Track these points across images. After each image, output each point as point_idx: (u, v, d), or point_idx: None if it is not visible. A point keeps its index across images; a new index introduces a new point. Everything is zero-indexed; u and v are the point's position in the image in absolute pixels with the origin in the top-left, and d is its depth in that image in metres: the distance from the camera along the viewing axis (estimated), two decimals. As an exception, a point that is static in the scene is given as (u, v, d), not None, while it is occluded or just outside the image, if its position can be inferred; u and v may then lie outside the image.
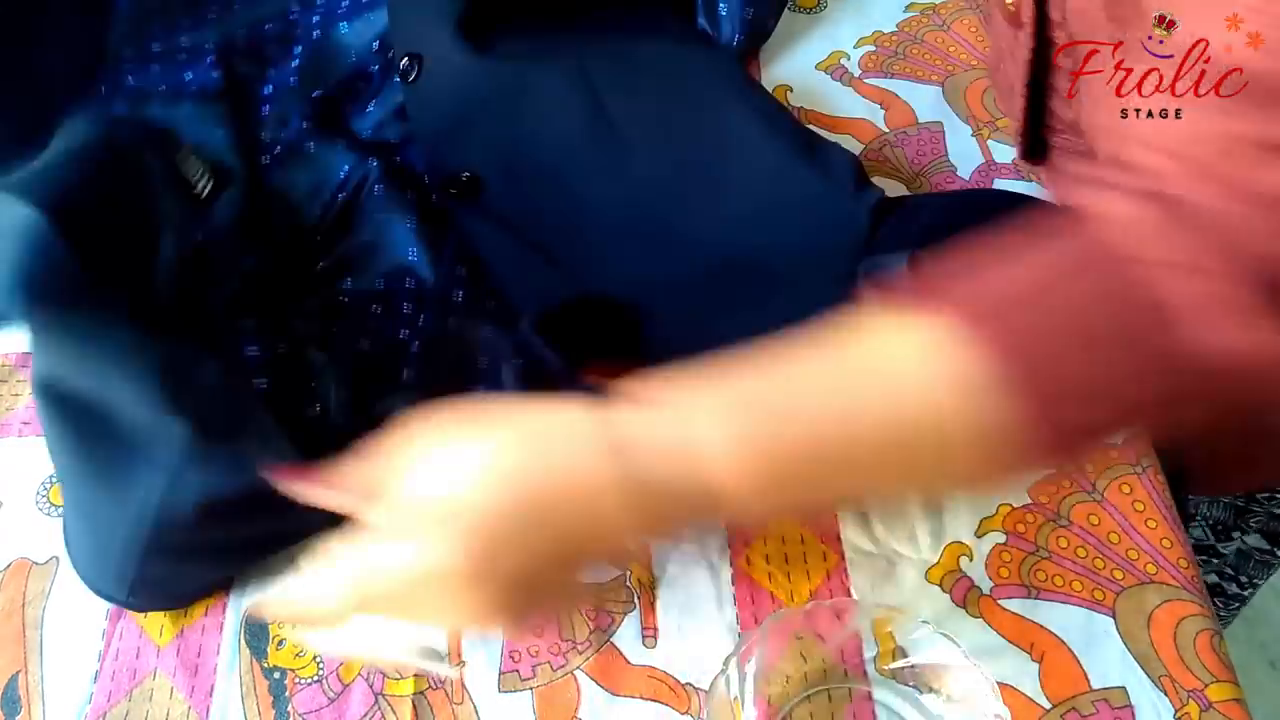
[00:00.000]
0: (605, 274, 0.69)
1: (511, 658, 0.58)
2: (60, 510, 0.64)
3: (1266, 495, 0.83)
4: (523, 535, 0.40)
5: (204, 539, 0.56)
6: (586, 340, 0.64)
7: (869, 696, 0.56)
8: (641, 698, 0.57)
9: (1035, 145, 0.68)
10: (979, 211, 0.70)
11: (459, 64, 0.74)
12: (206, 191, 0.69)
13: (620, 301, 0.67)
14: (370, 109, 0.77)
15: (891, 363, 0.41)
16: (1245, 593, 0.97)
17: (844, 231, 0.65)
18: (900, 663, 0.56)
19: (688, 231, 0.69)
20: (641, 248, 0.70)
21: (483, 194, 0.73)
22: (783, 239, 0.67)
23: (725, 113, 0.71)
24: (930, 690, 0.55)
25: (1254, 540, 0.91)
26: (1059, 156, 0.67)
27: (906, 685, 0.56)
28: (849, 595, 0.59)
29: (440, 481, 0.40)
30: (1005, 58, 0.69)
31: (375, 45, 0.80)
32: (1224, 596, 0.99)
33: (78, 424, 0.56)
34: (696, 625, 0.59)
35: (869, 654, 0.57)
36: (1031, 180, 0.75)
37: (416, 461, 0.41)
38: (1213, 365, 0.39)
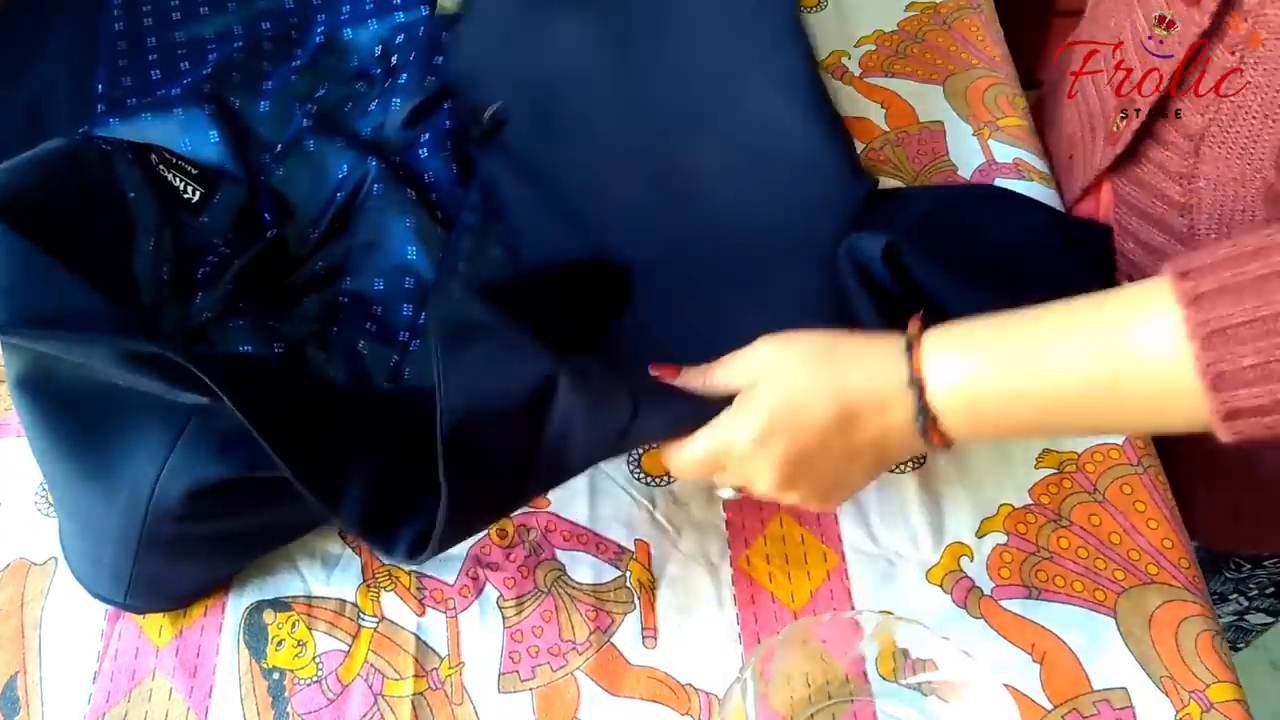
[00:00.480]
0: (610, 224, 0.69)
1: (511, 658, 0.58)
2: (59, 510, 0.64)
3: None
4: (831, 439, 0.50)
5: (197, 532, 0.56)
6: (575, 301, 0.65)
7: (881, 708, 0.56)
8: (641, 698, 0.57)
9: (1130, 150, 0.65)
10: (968, 205, 0.70)
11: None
12: (197, 196, 0.69)
13: (614, 264, 0.67)
14: (371, 109, 0.77)
15: (1121, 313, 0.44)
16: (1238, 647, 0.96)
17: (839, 214, 0.66)
18: (918, 677, 0.56)
19: (696, 190, 0.69)
20: (649, 200, 0.70)
21: (505, 130, 0.74)
22: (783, 213, 0.67)
23: (755, 75, 0.71)
24: (946, 703, 0.55)
25: (1257, 619, 0.90)
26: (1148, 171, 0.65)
27: (922, 698, 0.56)
28: (849, 595, 0.59)
29: (769, 376, 0.51)
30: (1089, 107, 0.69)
31: (378, 50, 0.80)
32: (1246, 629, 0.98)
33: (61, 421, 0.56)
34: (696, 625, 0.59)
35: (883, 666, 0.57)
36: (1032, 180, 0.75)
37: (772, 376, 0.51)
38: None
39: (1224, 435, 0.42)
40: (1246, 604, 0.87)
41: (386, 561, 0.61)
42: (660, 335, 0.63)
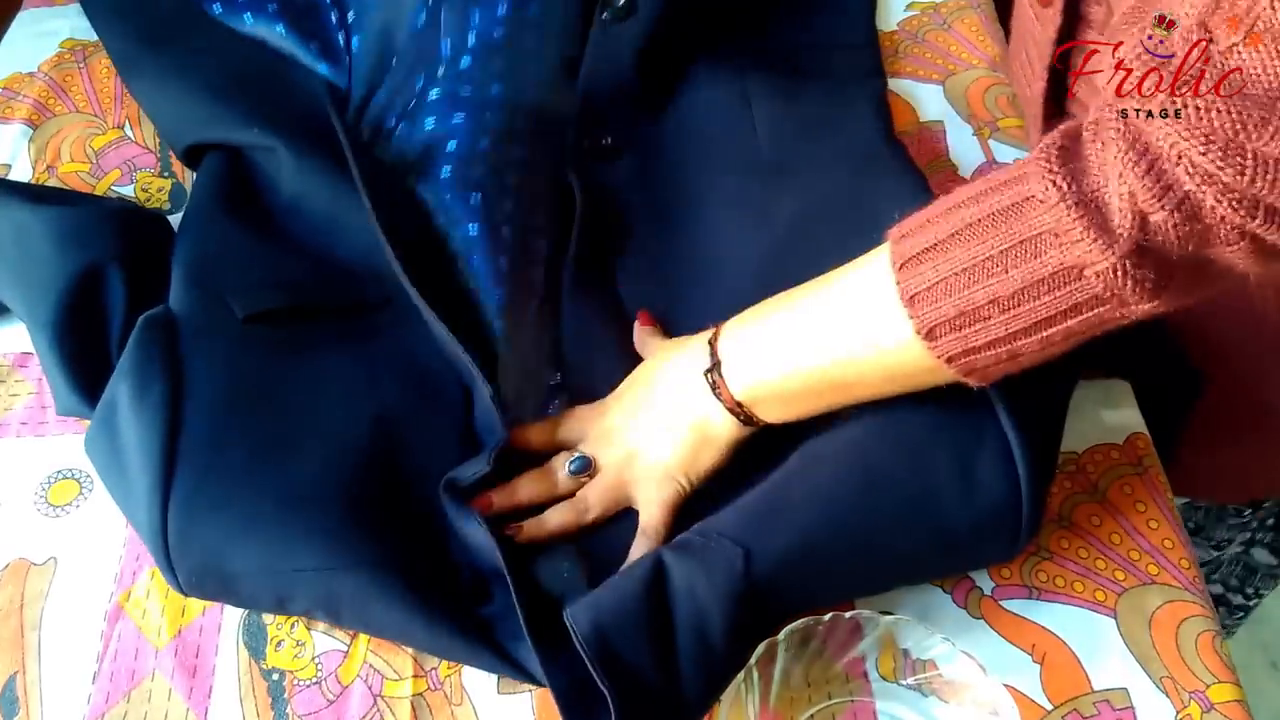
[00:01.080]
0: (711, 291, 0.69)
1: (511, 659, 0.58)
2: (59, 510, 0.63)
3: (1272, 504, 0.83)
4: (638, 383, 0.62)
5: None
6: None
7: (881, 709, 0.56)
8: (641, 699, 0.57)
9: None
10: None
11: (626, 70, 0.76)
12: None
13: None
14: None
15: (853, 285, 0.53)
16: (1250, 604, 0.96)
17: None
18: (918, 677, 0.56)
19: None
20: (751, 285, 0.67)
21: (617, 162, 0.74)
22: None
23: (875, 177, 0.69)
24: (946, 703, 0.55)
25: (1261, 555, 0.90)
26: None
27: (922, 698, 0.56)
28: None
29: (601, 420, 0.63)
30: (1028, 43, 0.69)
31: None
32: (1228, 607, 0.98)
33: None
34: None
35: (883, 666, 0.57)
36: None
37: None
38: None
39: (945, 365, 0.50)
40: (1250, 537, 0.88)
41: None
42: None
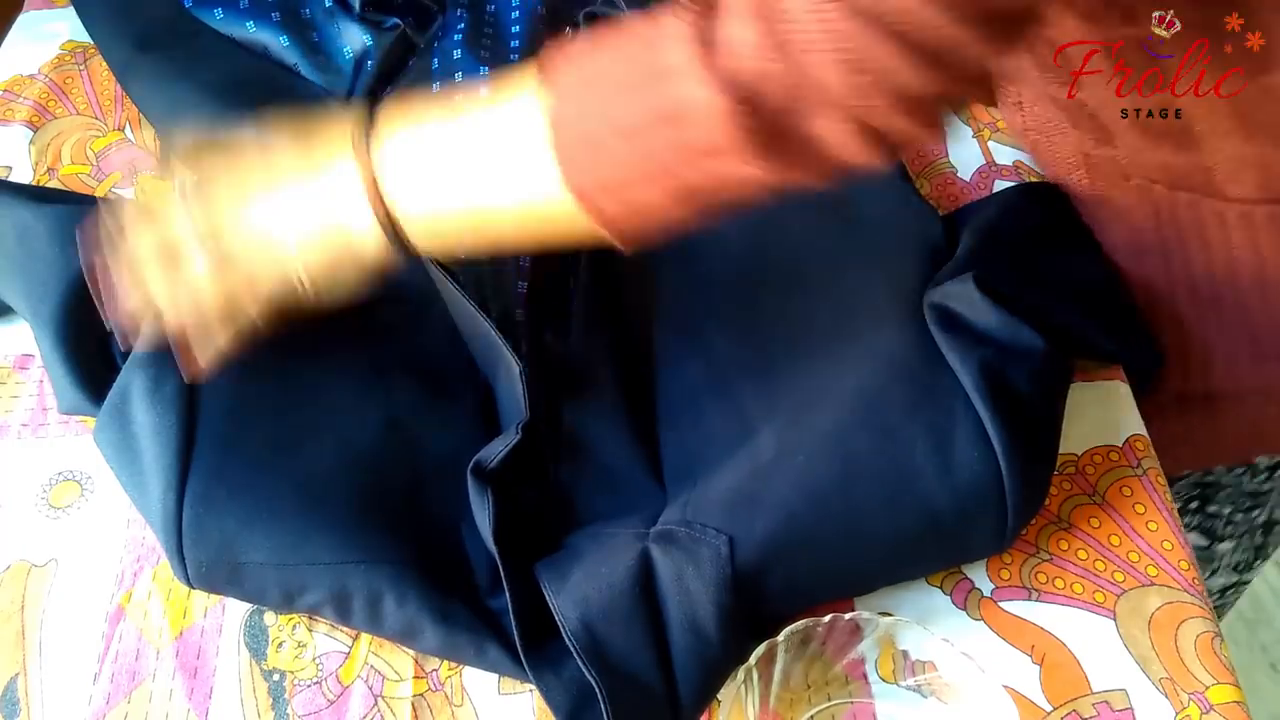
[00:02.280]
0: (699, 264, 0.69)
1: (511, 660, 0.58)
2: (60, 512, 0.64)
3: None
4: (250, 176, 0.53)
5: None
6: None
7: (881, 710, 0.56)
8: (641, 700, 0.57)
9: None
10: (1019, 213, 0.70)
11: None
12: None
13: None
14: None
15: (506, 130, 0.50)
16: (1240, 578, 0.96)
17: (923, 256, 0.66)
18: (918, 678, 0.56)
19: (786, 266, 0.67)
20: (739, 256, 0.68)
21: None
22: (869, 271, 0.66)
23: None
24: (945, 704, 0.55)
25: (1193, 538, 0.90)
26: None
27: (921, 699, 0.56)
28: (850, 598, 0.59)
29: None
30: None
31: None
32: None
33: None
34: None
35: (883, 667, 0.57)
36: (1031, 182, 0.75)
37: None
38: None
39: (578, 197, 0.48)
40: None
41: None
42: (737, 389, 0.62)
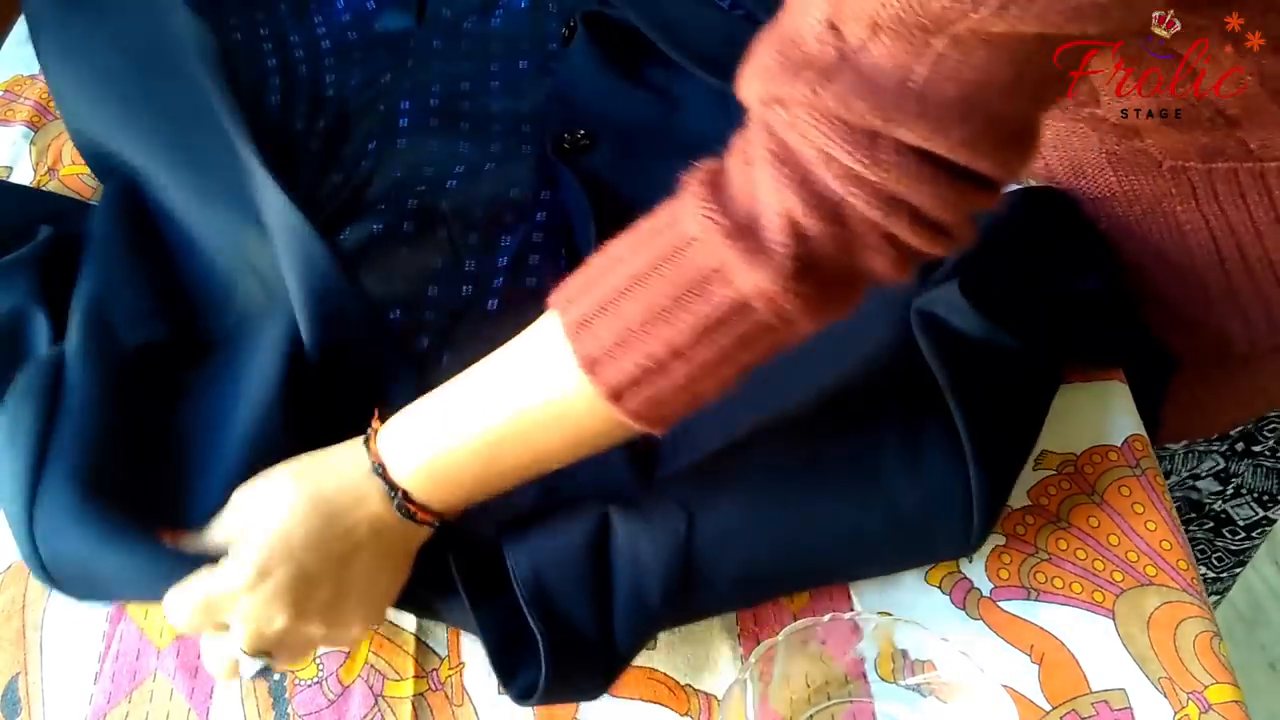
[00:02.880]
0: None
1: (511, 659, 0.58)
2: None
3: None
4: (327, 548, 0.51)
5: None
6: None
7: (880, 709, 0.56)
8: (641, 699, 0.57)
9: None
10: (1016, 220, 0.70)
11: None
12: None
13: None
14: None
15: (524, 357, 0.50)
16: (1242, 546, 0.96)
17: None
18: (917, 678, 0.56)
19: None
20: None
21: (591, 153, 0.75)
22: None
23: None
24: (945, 704, 0.55)
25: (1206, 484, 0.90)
26: None
27: (921, 698, 0.56)
28: (849, 597, 0.59)
29: (250, 517, 0.52)
30: None
31: None
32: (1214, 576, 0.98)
33: None
34: (696, 626, 0.59)
35: (883, 667, 0.57)
36: (1031, 184, 0.75)
37: (254, 516, 0.52)
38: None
39: (632, 421, 0.48)
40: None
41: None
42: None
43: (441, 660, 0.58)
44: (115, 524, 0.55)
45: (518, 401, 0.50)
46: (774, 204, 0.43)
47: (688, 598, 0.55)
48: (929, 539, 0.57)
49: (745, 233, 0.44)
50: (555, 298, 0.49)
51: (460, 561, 0.55)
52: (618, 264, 0.47)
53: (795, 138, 0.43)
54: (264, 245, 0.65)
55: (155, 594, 0.53)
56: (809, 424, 0.57)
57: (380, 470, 0.51)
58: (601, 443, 0.51)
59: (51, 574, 0.55)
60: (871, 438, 0.56)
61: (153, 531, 0.55)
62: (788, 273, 0.43)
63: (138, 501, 0.56)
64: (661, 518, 0.54)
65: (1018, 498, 0.62)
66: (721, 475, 0.56)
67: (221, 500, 0.54)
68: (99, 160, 0.75)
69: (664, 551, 0.53)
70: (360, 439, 0.53)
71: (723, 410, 0.59)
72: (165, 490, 0.58)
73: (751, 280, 0.44)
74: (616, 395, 0.47)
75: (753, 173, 0.44)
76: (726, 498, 0.55)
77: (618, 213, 0.71)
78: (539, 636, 0.52)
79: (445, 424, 0.51)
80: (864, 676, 0.57)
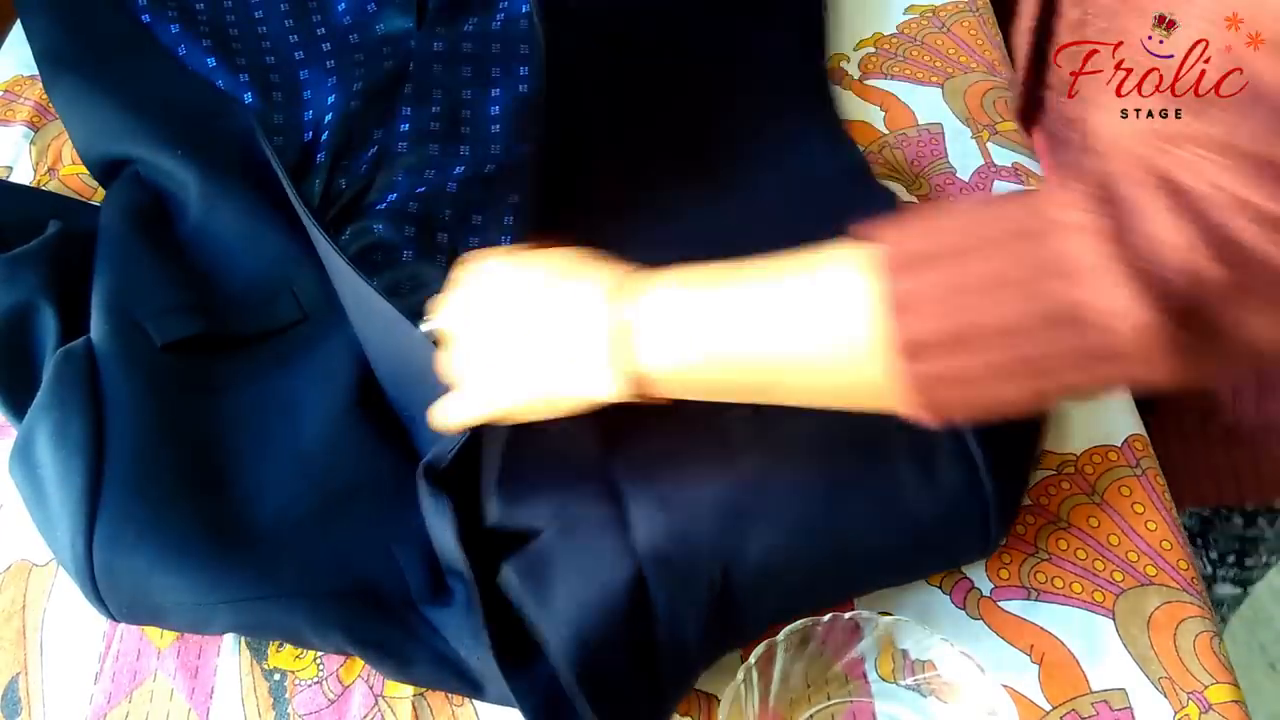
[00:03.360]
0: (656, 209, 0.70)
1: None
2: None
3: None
4: (528, 291, 0.51)
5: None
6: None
7: (880, 709, 0.56)
8: (641, 699, 0.57)
9: (1031, 106, 0.71)
10: None
11: None
12: None
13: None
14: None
15: (826, 292, 0.45)
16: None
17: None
18: (917, 678, 0.56)
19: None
20: (695, 205, 0.71)
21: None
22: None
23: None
24: (945, 703, 0.55)
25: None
26: (1051, 121, 0.71)
27: (921, 698, 0.56)
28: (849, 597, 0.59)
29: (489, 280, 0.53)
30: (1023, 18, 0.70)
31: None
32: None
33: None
34: (696, 627, 0.59)
35: (883, 667, 0.57)
36: (1031, 185, 0.75)
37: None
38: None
39: (910, 388, 0.43)
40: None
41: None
42: None
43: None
44: (179, 536, 0.55)
45: (795, 332, 0.45)
46: (1175, 237, 0.38)
47: (725, 639, 0.55)
48: (950, 547, 0.58)
49: (1133, 246, 0.38)
50: (874, 229, 0.43)
51: (491, 630, 0.53)
52: (963, 218, 0.42)
53: (1179, 167, 0.38)
54: (309, 281, 0.67)
55: (207, 616, 0.54)
56: (820, 451, 0.56)
57: (622, 329, 0.48)
58: (853, 402, 0.46)
59: (100, 589, 0.55)
60: (884, 456, 0.55)
61: (212, 544, 0.55)
62: (1164, 306, 0.38)
63: (195, 513, 0.57)
64: (697, 573, 0.53)
65: (1018, 498, 0.62)
66: (746, 514, 0.54)
67: (285, 505, 0.56)
68: (106, 167, 0.76)
69: (703, 608, 0.53)
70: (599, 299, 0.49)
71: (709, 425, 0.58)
72: (218, 498, 0.58)
73: (1127, 298, 0.38)
74: (914, 351, 0.41)
75: (1140, 194, 0.39)
76: (754, 544, 0.54)
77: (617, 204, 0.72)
78: (587, 706, 0.51)
79: (709, 330, 0.47)
80: (864, 676, 0.57)
